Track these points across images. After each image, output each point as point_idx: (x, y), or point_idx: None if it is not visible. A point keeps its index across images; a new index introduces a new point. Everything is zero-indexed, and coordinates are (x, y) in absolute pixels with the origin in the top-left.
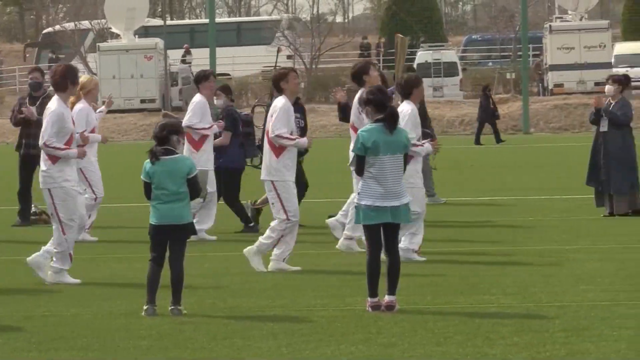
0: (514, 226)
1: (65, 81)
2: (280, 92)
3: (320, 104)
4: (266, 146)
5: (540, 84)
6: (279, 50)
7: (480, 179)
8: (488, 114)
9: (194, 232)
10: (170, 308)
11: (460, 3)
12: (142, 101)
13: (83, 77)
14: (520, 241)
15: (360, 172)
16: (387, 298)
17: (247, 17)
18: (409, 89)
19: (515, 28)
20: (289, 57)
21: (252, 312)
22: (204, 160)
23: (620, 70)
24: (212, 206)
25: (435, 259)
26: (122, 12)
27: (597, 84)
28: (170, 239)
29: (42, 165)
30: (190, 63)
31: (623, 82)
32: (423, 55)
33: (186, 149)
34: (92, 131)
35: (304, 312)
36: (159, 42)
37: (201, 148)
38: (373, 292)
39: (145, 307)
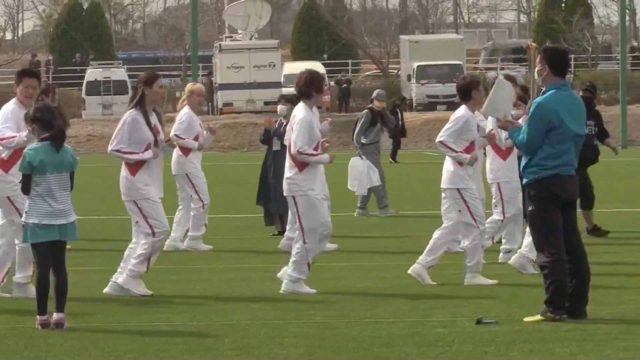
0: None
1: (310, 89)
2: (466, 100)
3: None
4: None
5: (210, 103)
6: None
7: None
8: (397, 130)
9: None
10: None
11: (131, 21)
12: None
13: (189, 84)
14: (197, 262)
15: (26, 190)
16: (56, 316)
17: None
18: None
19: (185, 47)
20: None
21: None
22: None
23: (289, 90)
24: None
25: (104, 279)
26: None
27: (266, 103)
28: None
29: (287, 172)
30: None
31: (295, 102)
32: (93, 73)
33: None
34: (196, 138)
35: None
36: None
37: None
38: (42, 310)
39: None
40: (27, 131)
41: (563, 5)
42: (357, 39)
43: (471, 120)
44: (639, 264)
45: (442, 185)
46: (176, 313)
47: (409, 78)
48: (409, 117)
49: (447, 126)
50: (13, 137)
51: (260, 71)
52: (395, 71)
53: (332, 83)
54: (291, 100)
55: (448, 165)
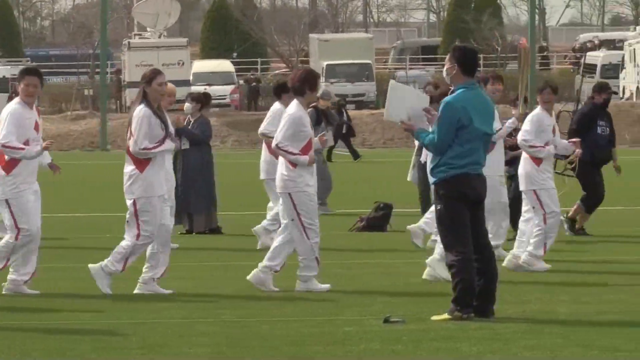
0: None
1: (304, 86)
2: None
3: None
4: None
5: (118, 101)
6: None
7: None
8: (340, 129)
9: None
10: None
11: (39, 18)
12: None
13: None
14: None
15: None
16: None
17: None
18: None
19: (94, 44)
20: None
21: None
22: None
23: (198, 88)
24: None
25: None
26: None
27: (176, 101)
28: None
29: (281, 169)
30: None
31: (203, 100)
32: (1, 71)
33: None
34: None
35: None
36: None
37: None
38: None
39: None
40: (39, 146)
41: (472, 5)
42: (267, 37)
43: None
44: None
45: None
46: (84, 311)
47: None
48: None
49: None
50: (21, 148)
51: (169, 69)
52: None
53: (242, 82)
54: (197, 99)
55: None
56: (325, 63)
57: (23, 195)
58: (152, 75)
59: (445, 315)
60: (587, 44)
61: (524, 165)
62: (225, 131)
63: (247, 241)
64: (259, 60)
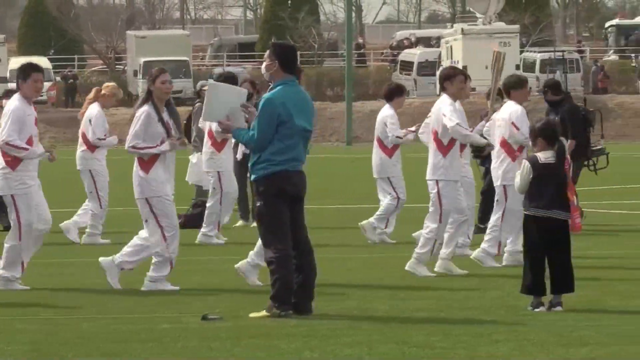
0: None
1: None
2: (443, 90)
3: None
4: (432, 145)
5: None
6: None
7: None
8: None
9: None
10: None
11: None
12: None
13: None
14: None
15: None
16: None
17: None
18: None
19: None
20: None
21: None
22: (224, 161)
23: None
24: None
25: None
26: None
27: None
28: None
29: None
30: None
31: None
32: None
33: (206, 152)
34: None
35: None
36: None
37: (222, 150)
38: None
39: None
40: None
41: (289, 2)
42: (84, 34)
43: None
44: (362, 259)
45: (427, 177)
46: None
47: (135, 74)
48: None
49: (448, 114)
50: (25, 149)
51: None
52: (122, 67)
53: (59, 78)
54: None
55: (431, 157)
56: (142, 60)
57: (29, 190)
58: (157, 74)
59: (264, 313)
60: (404, 41)
61: (502, 160)
62: (42, 128)
63: (64, 237)
64: (75, 57)
